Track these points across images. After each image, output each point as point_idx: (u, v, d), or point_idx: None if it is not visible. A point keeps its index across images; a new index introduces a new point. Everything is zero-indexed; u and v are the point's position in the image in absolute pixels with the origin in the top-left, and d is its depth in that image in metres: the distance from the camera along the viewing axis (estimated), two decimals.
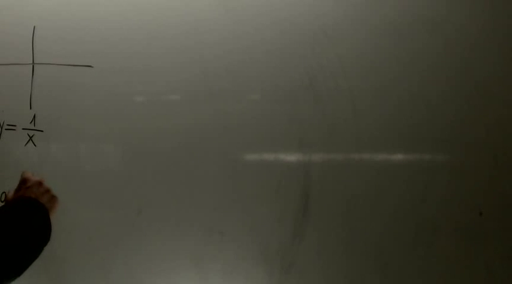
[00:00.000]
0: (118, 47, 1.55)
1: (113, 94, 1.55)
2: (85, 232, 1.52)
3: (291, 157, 1.57)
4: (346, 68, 1.58)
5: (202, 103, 1.56)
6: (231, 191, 1.55)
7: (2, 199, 1.51)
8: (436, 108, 1.60)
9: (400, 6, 1.61)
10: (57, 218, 1.52)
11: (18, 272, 0.98)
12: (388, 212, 1.57)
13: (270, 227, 1.55)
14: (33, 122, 1.53)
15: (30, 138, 1.52)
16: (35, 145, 1.52)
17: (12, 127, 1.52)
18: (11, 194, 1.16)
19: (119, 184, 1.54)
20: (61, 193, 1.52)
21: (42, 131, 1.53)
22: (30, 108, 1.53)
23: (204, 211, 1.55)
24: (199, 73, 1.56)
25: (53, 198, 1.18)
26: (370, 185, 1.57)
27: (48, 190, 1.17)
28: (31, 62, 1.54)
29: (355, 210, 1.57)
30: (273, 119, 1.57)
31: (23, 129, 1.53)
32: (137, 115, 1.55)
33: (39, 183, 1.17)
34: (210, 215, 1.55)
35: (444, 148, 1.59)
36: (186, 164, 1.55)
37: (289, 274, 1.55)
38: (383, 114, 1.58)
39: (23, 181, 1.17)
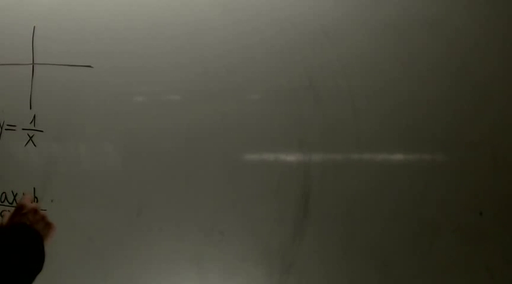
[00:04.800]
0: (118, 47, 1.55)
1: (113, 94, 1.54)
2: (85, 232, 1.52)
3: (291, 157, 1.57)
4: (346, 68, 1.58)
5: (202, 103, 1.56)
6: (231, 191, 1.55)
7: (2, 199, 1.51)
8: (436, 108, 1.60)
9: (400, 6, 1.61)
10: (58, 218, 1.53)
11: None
12: (388, 212, 1.57)
13: (270, 227, 1.55)
14: (33, 122, 1.53)
15: (30, 138, 1.52)
16: (35, 145, 1.52)
17: (12, 127, 1.52)
18: (5, 219, 1.13)
19: (119, 184, 1.54)
20: (61, 193, 1.53)
21: (42, 131, 1.53)
22: (30, 108, 1.53)
23: (204, 211, 1.55)
24: (199, 73, 1.56)
25: (48, 225, 1.15)
26: (370, 185, 1.57)
27: (43, 217, 1.15)
28: (31, 62, 1.54)
29: (355, 210, 1.57)
30: (273, 119, 1.57)
31: (23, 129, 1.53)
32: (137, 115, 1.55)
33: (35, 210, 1.15)
34: (210, 216, 1.55)
35: (444, 148, 1.59)
36: (186, 164, 1.55)
37: (289, 274, 1.55)
38: (383, 114, 1.58)
39: (19, 208, 1.15)
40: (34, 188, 1.51)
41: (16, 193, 1.51)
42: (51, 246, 1.47)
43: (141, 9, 1.57)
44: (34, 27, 1.54)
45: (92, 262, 1.53)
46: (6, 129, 1.52)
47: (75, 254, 1.52)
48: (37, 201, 1.51)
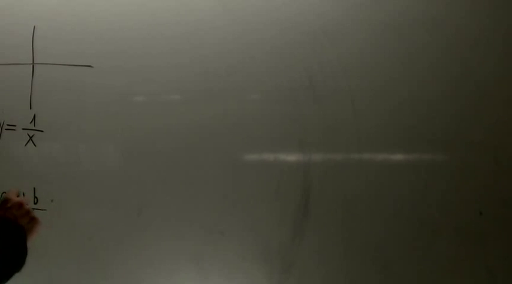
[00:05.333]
0: (118, 47, 1.55)
1: (113, 94, 1.55)
2: (85, 232, 1.52)
3: (291, 157, 1.57)
4: (346, 68, 1.58)
5: (202, 103, 1.56)
6: (231, 191, 1.55)
7: (2, 198, 1.51)
8: (436, 108, 1.59)
9: (400, 6, 1.61)
10: (58, 218, 1.53)
11: None
12: (388, 212, 1.57)
13: (270, 227, 1.55)
14: (33, 122, 1.53)
15: (30, 138, 1.52)
16: (35, 145, 1.52)
17: (12, 127, 1.52)
18: None
19: (119, 184, 1.54)
20: (61, 193, 1.53)
21: (42, 131, 1.53)
22: (30, 108, 1.53)
23: (204, 211, 1.55)
24: (199, 73, 1.56)
25: (33, 220, 1.13)
26: (370, 185, 1.57)
27: (28, 212, 1.14)
28: (31, 62, 1.54)
29: (355, 210, 1.57)
30: (273, 119, 1.57)
31: (23, 129, 1.53)
32: (137, 115, 1.55)
33: (20, 204, 1.13)
34: (210, 215, 1.55)
35: (444, 148, 1.59)
36: (186, 164, 1.55)
37: (289, 274, 1.55)
38: (383, 114, 1.58)
39: (4, 202, 1.13)
40: (34, 188, 1.51)
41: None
42: (51, 246, 1.47)
43: (141, 9, 1.57)
44: (34, 27, 1.54)
45: (92, 262, 1.53)
46: (6, 129, 1.52)
47: (75, 254, 1.52)
48: (37, 201, 1.51)
